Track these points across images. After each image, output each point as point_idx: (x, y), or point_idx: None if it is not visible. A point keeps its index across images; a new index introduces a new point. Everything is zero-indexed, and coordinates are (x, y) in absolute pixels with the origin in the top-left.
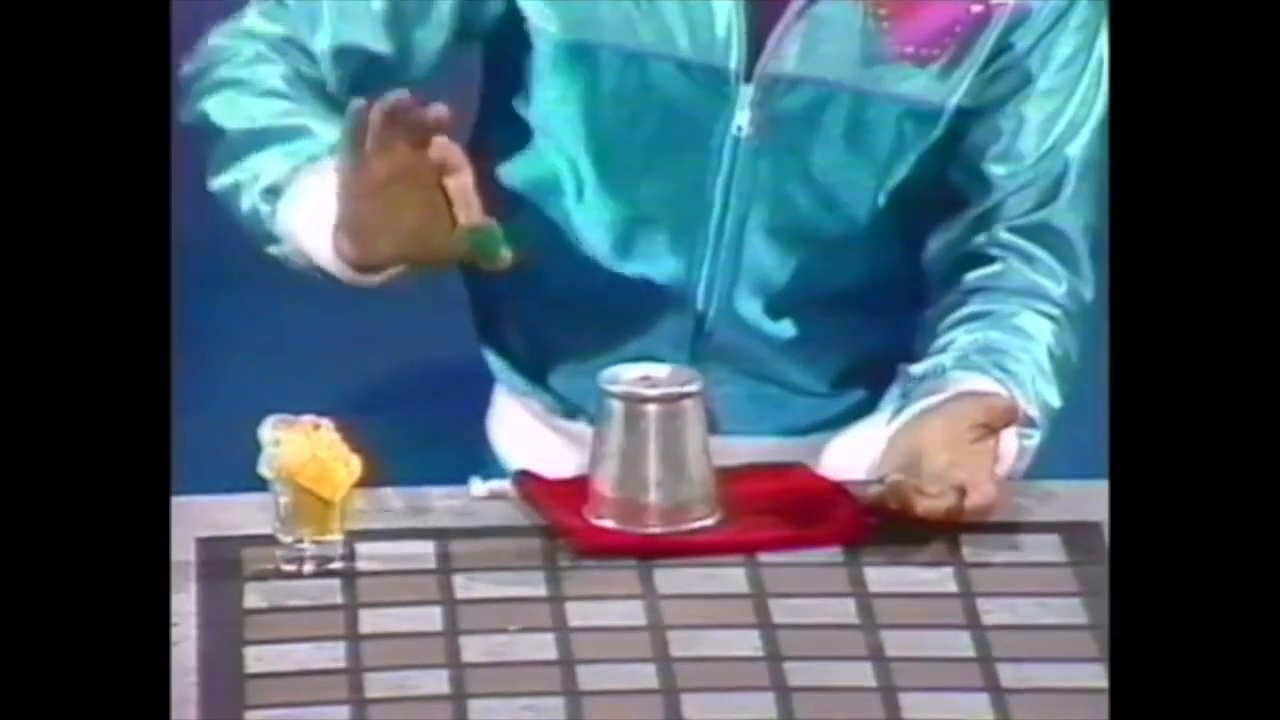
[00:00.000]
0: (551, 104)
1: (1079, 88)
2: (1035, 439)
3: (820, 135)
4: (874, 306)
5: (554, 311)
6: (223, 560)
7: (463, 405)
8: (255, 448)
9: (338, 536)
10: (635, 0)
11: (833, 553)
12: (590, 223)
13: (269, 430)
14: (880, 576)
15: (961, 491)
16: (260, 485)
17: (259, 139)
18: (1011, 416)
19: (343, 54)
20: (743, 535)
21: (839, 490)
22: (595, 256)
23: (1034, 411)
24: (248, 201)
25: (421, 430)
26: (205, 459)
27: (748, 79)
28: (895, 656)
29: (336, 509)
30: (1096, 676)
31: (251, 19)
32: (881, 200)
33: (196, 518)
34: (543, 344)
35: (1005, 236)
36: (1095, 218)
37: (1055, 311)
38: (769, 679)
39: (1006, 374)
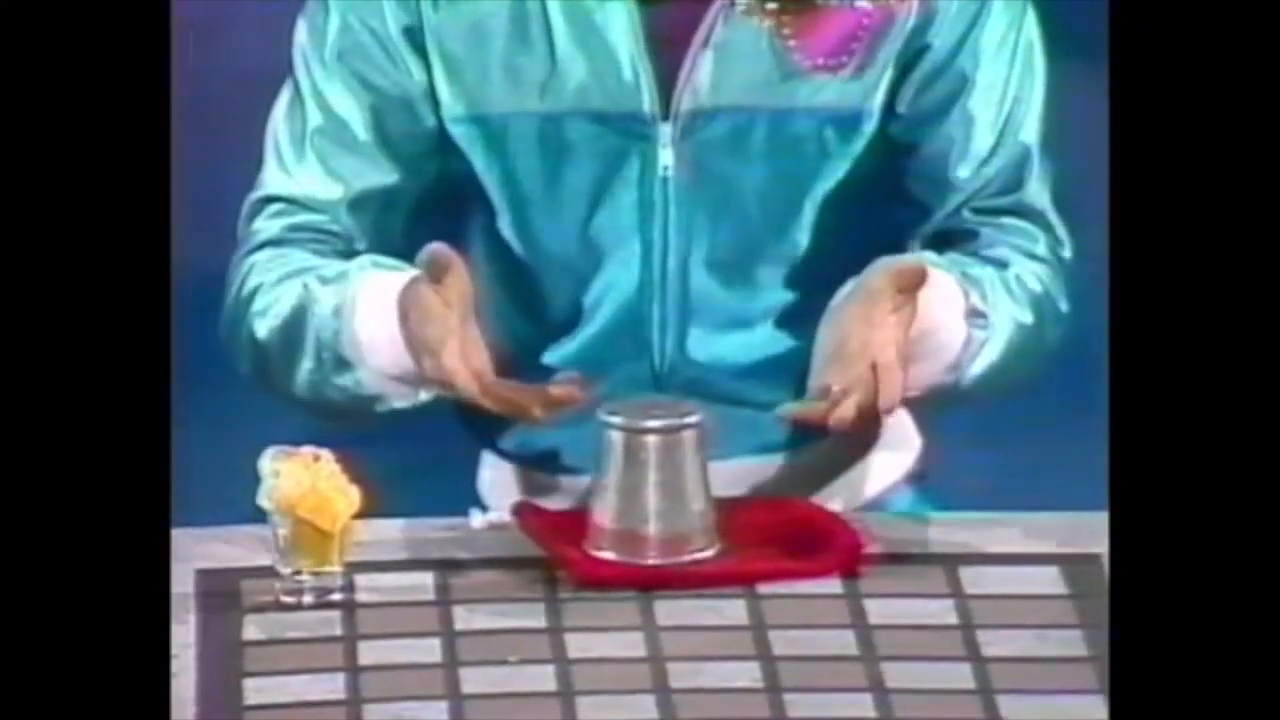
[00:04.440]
0: (478, 181)
1: (1015, 70)
2: (987, 333)
3: (746, 159)
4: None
5: (516, 372)
6: (222, 592)
7: (462, 437)
8: (254, 479)
9: (337, 568)
10: (538, 66)
11: (832, 584)
12: (534, 286)
13: (268, 461)
14: (880, 608)
15: (863, 392)
16: (260, 517)
17: (291, 332)
18: (920, 278)
19: (360, 201)
20: (742, 566)
21: (838, 521)
22: (546, 318)
23: (985, 308)
24: (334, 392)
25: (421, 461)
26: (204, 490)
27: (665, 118)
28: (895, 688)
29: (336, 540)
30: (1096, 708)
31: (261, 196)
32: (817, 211)
33: (196, 549)
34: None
35: (978, 218)
36: (1059, 185)
37: (1036, 254)
38: (769, 711)
39: (965, 277)
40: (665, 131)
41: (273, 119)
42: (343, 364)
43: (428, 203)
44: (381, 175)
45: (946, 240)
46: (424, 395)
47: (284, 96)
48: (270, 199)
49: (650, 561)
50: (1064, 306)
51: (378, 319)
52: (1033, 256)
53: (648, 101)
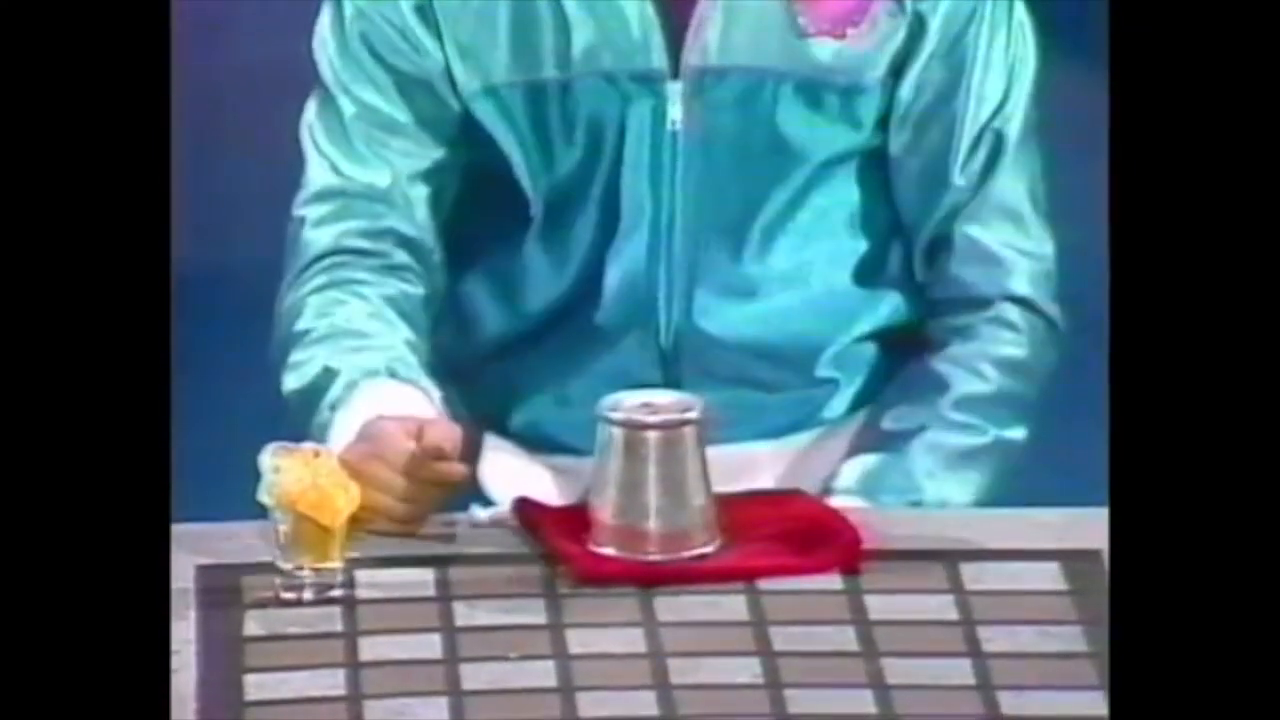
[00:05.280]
0: (492, 149)
1: (1007, 62)
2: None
3: (753, 120)
4: (830, 290)
5: (518, 349)
6: (222, 588)
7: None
8: (255, 475)
9: (337, 564)
10: (544, 32)
11: (833, 580)
12: (543, 251)
13: (269, 457)
14: (880, 604)
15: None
16: (260, 513)
17: (301, 400)
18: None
19: (409, 181)
20: (743, 562)
21: (839, 517)
22: (553, 283)
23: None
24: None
25: None
26: (205, 486)
27: (674, 75)
28: (895, 684)
29: (336, 536)
30: (1096, 704)
31: (310, 194)
32: (822, 177)
33: (196, 545)
34: (512, 383)
35: (961, 230)
36: (1036, 176)
37: (1011, 323)
38: (769, 706)
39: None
40: (675, 89)
41: (305, 123)
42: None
43: (471, 179)
44: (426, 152)
45: (934, 252)
46: None
47: (313, 99)
48: (320, 195)
49: (651, 558)
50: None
51: (349, 432)
52: (1006, 324)
53: (657, 57)
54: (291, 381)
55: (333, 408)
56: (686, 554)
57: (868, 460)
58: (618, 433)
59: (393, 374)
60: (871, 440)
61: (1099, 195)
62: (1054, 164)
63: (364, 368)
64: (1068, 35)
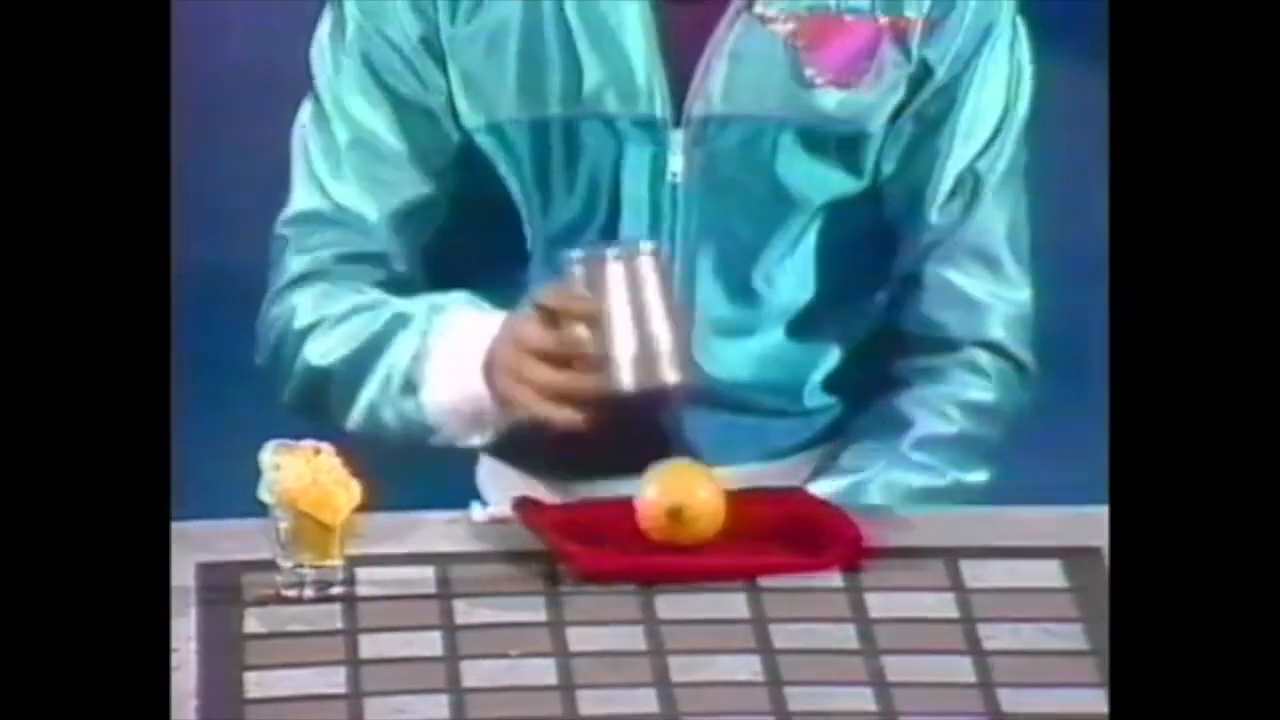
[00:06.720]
0: (503, 188)
1: (1002, 105)
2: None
3: (754, 168)
4: (830, 323)
5: None
6: (223, 585)
7: None
8: (256, 473)
9: (338, 561)
10: (551, 71)
11: (833, 578)
12: (542, 287)
13: (269, 455)
14: (881, 602)
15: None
16: (261, 510)
17: (363, 358)
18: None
19: (399, 213)
20: (744, 560)
21: (840, 515)
22: None
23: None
24: (391, 414)
25: (421, 455)
26: (206, 484)
27: (676, 124)
28: (896, 682)
29: (337, 534)
30: (1097, 702)
31: (296, 214)
32: (824, 221)
33: (197, 543)
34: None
35: (935, 271)
36: (1017, 218)
37: (980, 366)
38: (769, 704)
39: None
40: (677, 138)
41: (298, 137)
42: (409, 388)
43: (467, 211)
44: (416, 185)
45: (907, 289)
46: (482, 438)
47: (307, 115)
48: (304, 217)
49: (623, 387)
50: (1007, 403)
51: (457, 341)
52: (976, 371)
53: (660, 105)
54: (323, 358)
55: (424, 334)
56: (656, 384)
57: (824, 488)
58: (579, 271)
59: (466, 302)
60: (831, 474)
61: (1099, 195)
62: (1055, 165)
63: (436, 303)
64: (1067, 37)
